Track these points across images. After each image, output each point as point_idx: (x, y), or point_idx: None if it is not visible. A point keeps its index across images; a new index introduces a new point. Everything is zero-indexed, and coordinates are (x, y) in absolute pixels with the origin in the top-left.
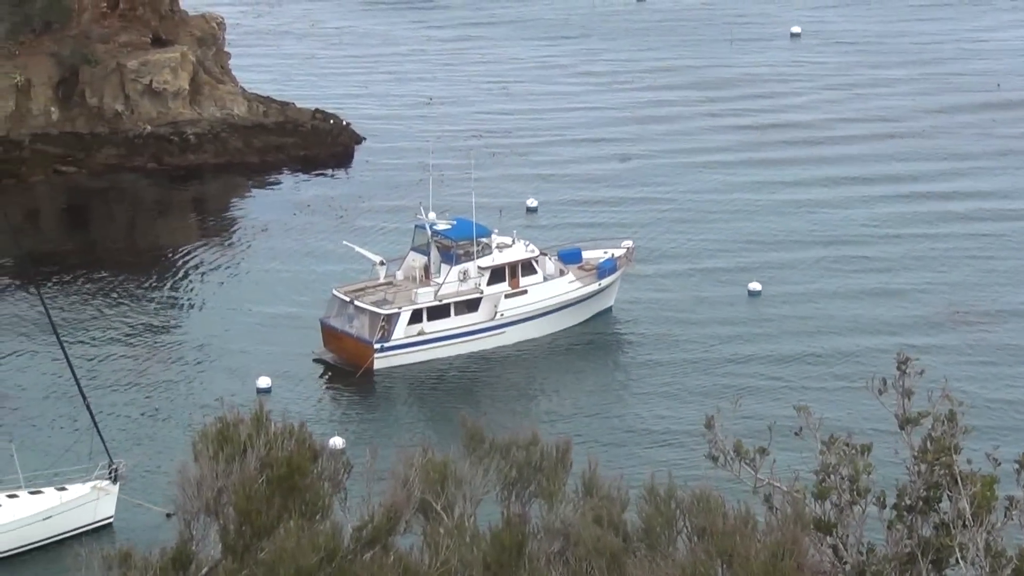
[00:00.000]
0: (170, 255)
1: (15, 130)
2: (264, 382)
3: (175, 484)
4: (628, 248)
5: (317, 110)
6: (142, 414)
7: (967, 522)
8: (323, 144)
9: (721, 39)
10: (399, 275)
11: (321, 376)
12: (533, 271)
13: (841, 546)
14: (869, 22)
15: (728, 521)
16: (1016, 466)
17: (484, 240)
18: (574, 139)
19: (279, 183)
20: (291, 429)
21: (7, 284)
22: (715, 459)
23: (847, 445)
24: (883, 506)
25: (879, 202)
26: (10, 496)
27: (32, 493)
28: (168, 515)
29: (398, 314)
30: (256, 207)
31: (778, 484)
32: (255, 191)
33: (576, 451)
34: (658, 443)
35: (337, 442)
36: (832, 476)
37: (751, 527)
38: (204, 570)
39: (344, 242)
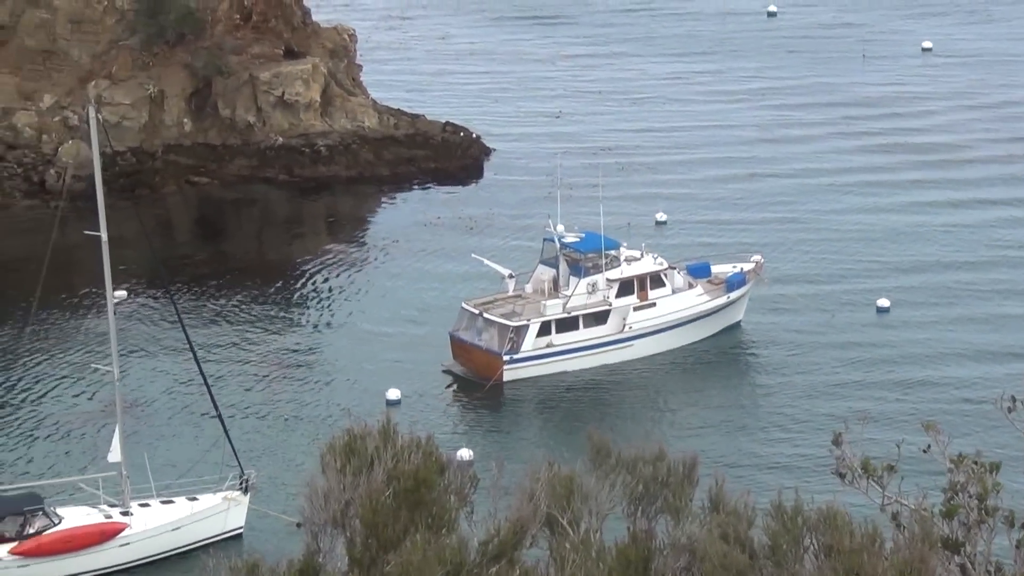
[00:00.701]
0: (301, 266)
1: (148, 141)
2: (393, 394)
3: (303, 496)
4: (757, 262)
5: (447, 123)
6: (272, 425)
7: None
8: (453, 157)
9: (851, 55)
10: (528, 288)
11: (450, 388)
12: (662, 284)
13: (969, 565)
14: (999, 39)
15: (855, 539)
16: None
17: (613, 253)
18: (703, 156)
19: (409, 196)
20: (418, 442)
21: (142, 294)
22: (842, 476)
23: (976, 464)
24: (1012, 525)
25: (1011, 224)
26: (142, 505)
27: (164, 503)
28: (297, 525)
29: (527, 326)
30: (386, 219)
31: (905, 503)
32: (385, 203)
33: (702, 467)
34: (784, 461)
35: (465, 454)
36: (960, 495)
37: (878, 545)
38: None
39: (473, 255)
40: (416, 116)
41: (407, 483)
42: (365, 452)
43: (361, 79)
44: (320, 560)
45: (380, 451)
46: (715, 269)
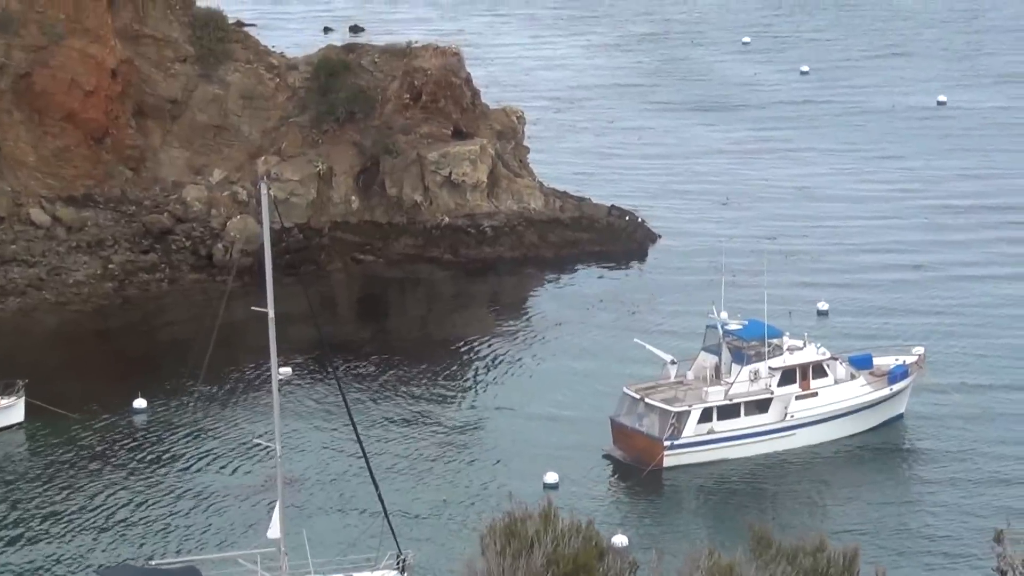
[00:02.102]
0: (463, 347)
1: (316, 217)
2: (551, 477)
3: None
4: (919, 355)
5: (613, 206)
6: (430, 505)
7: None
8: (618, 240)
9: (1021, 146)
10: (690, 374)
11: (609, 473)
12: (824, 374)
13: None
14: None
15: None
16: None
17: (775, 341)
18: (867, 246)
19: (573, 278)
20: (578, 526)
21: (306, 370)
22: (1003, 574)
23: None
24: None
25: None
26: None
27: None
28: None
29: (688, 412)
30: (549, 302)
31: None
32: (549, 285)
33: (863, 559)
34: (945, 556)
35: (621, 540)
36: None
37: None
38: None
39: (636, 340)
40: (582, 199)
41: (567, 567)
42: (525, 535)
43: (528, 161)
44: None
45: (540, 534)
46: (877, 361)
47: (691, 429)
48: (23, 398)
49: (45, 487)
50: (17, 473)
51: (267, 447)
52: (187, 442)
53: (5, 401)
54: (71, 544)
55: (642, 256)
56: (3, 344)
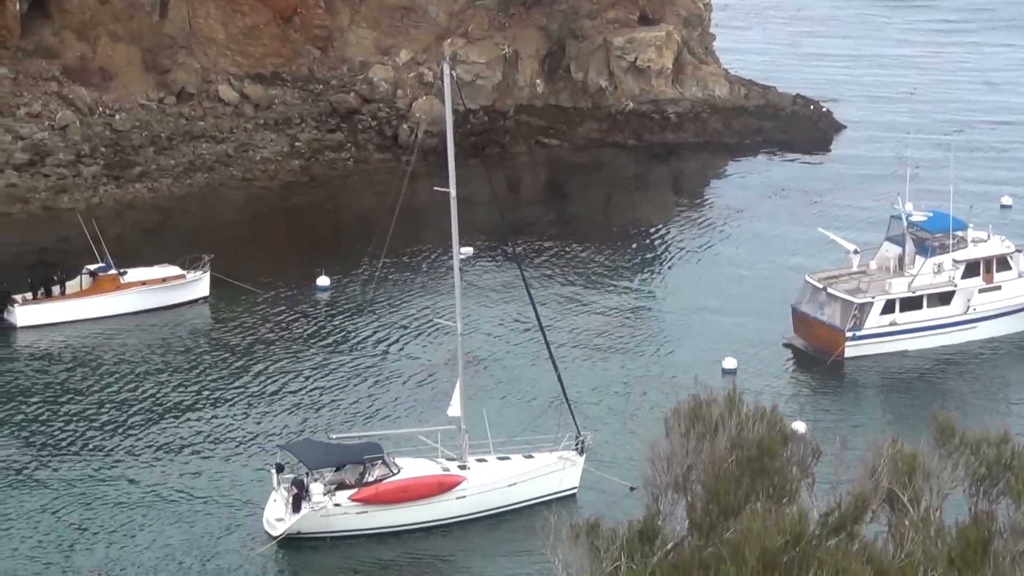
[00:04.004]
0: (645, 231)
1: (501, 101)
2: (730, 363)
3: (645, 459)
4: None
5: (798, 95)
6: (608, 388)
7: None
8: (802, 129)
9: None
10: (872, 265)
11: (789, 361)
12: (1008, 267)
13: None
14: None
15: None
16: None
17: (960, 234)
18: None
19: (755, 165)
20: (762, 411)
21: (489, 252)
22: None
23: None
24: None
25: None
26: (479, 460)
27: (500, 459)
28: (631, 489)
29: (871, 303)
30: (731, 188)
31: None
32: (731, 172)
33: None
34: None
35: (799, 427)
36: None
37: None
38: (670, 545)
39: (819, 229)
40: (767, 87)
41: (750, 451)
42: (709, 418)
43: (714, 48)
44: (659, 523)
45: (724, 418)
46: None
47: (873, 320)
48: (209, 273)
49: (229, 362)
50: (202, 347)
51: (448, 326)
52: (368, 320)
53: (192, 275)
54: (253, 418)
55: (826, 146)
56: (191, 219)
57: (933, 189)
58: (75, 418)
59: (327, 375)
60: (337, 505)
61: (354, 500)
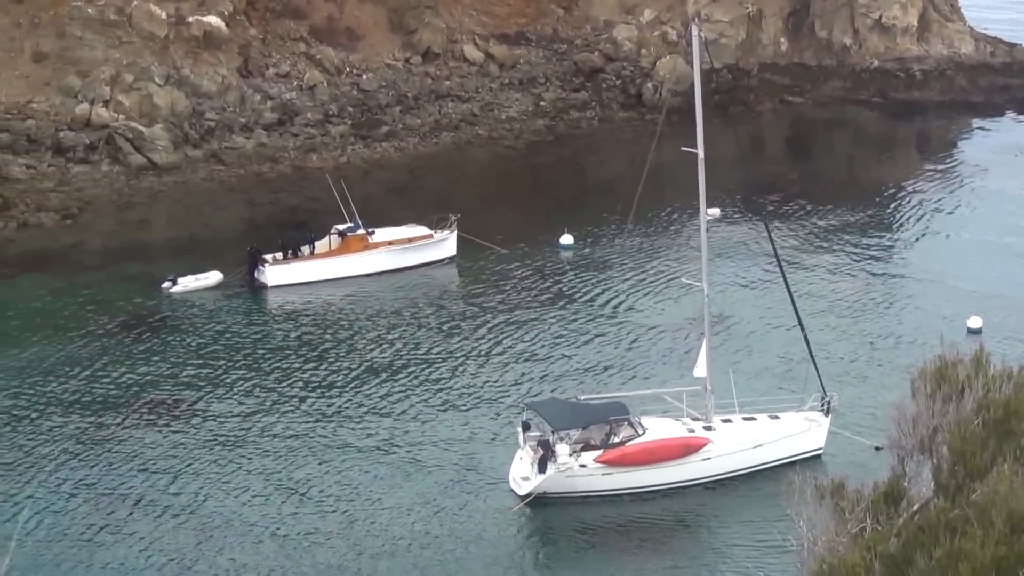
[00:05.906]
0: (889, 189)
1: (744, 59)
2: (975, 322)
3: (891, 420)
4: None
5: None
6: (854, 348)
7: None
8: None
9: None
10: None
11: None
12: None
13: None
14: None
15: None
16: None
17: None
18: None
19: (1001, 124)
20: (1010, 372)
21: (734, 211)
22: None
23: None
24: None
25: None
26: (724, 421)
27: (745, 419)
28: (876, 449)
29: None
30: (977, 147)
31: None
32: (977, 130)
33: None
34: None
35: None
36: None
37: None
38: (915, 507)
39: None
40: (1013, 45)
41: (997, 413)
42: (956, 379)
43: (959, 5)
44: (905, 484)
45: (971, 379)
46: None
47: None
48: (455, 232)
49: (476, 321)
50: (449, 306)
51: (695, 286)
52: (614, 280)
53: (439, 235)
54: (498, 376)
55: None
56: (437, 178)
57: None
58: (326, 377)
59: (572, 334)
60: (583, 466)
61: (600, 462)
